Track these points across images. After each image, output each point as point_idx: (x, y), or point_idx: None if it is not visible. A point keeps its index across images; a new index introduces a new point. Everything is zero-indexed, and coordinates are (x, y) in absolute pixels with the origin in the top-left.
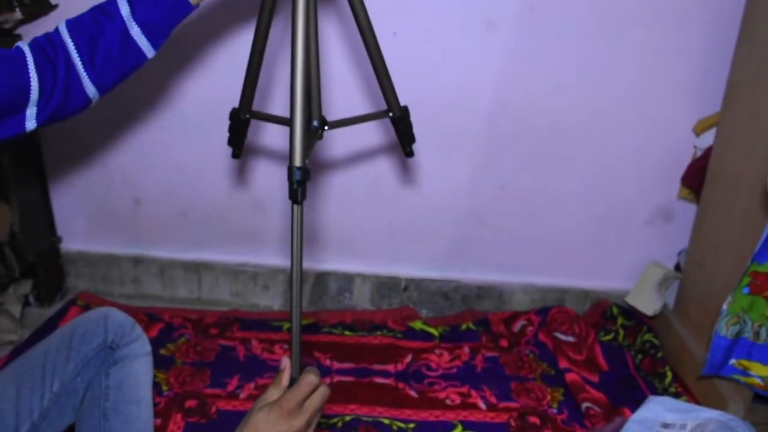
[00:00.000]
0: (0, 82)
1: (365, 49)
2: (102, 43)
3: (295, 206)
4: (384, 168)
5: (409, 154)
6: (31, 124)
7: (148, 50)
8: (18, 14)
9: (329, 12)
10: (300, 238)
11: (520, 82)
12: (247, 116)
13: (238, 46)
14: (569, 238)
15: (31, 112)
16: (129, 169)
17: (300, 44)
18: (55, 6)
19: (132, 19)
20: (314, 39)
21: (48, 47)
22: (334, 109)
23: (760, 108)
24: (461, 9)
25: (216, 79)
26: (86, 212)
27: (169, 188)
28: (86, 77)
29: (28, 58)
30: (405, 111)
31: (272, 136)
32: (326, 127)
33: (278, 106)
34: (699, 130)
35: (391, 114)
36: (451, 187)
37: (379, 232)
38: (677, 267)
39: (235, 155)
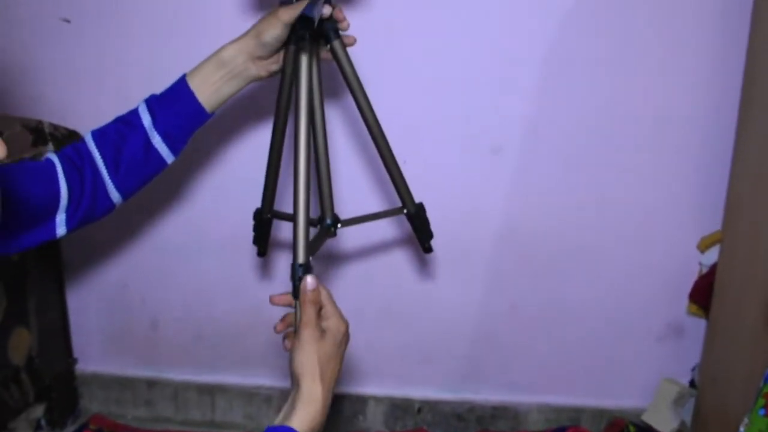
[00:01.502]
0: (33, 191)
1: (375, 148)
2: (126, 152)
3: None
4: (394, 289)
5: (428, 249)
6: (61, 230)
7: (168, 156)
8: (50, 147)
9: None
10: None
11: (527, 204)
12: (269, 216)
13: (253, 154)
14: (582, 356)
15: (60, 218)
16: (148, 291)
17: (302, 142)
18: None
19: (153, 129)
20: (323, 137)
21: (75, 157)
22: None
23: (760, 227)
24: (467, 135)
25: (232, 198)
26: (103, 333)
27: (186, 310)
28: (111, 184)
29: (57, 168)
30: (420, 207)
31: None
32: (339, 225)
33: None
34: (703, 247)
35: (405, 211)
36: (463, 307)
37: (391, 352)
38: (692, 383)
39: (261, 254)
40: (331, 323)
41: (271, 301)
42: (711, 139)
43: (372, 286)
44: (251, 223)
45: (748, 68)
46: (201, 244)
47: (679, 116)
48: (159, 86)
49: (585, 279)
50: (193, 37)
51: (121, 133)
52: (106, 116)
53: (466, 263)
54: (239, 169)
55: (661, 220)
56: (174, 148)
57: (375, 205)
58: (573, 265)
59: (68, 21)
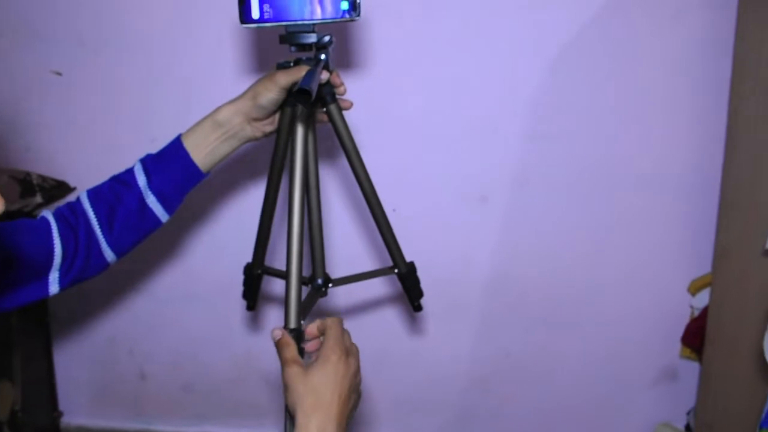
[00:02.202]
0: (27, 250)
1: (368, 208)
2: (120, 212)
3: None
4: (387, 339)
5: (418, 308)
6: (54, 288)
7: (163, 216)
8: (38, 198)
9: (330, 170)
10: None
11: (516, 252)
12: (260, 272)
13: (243, 210)
14: (575, 403)
15: (54, 276)
16: (136, 342)
17: (296, 200)
18: (74, 188)
19: (148, 188)
20: (316, 197)
21: (70, 216)
22: (339, 263)
23: (749, 271)
24: (456, 184)
25: (222, 250)
26: (90, 385)
27: (175, 361)
28: (105, 243)
29: (52, 226)
30: (411, 266)
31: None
32: (330, 285)
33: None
34: (693, 290)
35: (396, 270)
36: (455, 356)
37: (384, 402)
38: (687, 428)
39: (250, 308)
40: (321, 352)
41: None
42: (699, 184)
43: (364, 339)
44: (241, 276)
45: (730, 124)
46: (190, 294)
47: (667, 164)
48: (147, 138)
49: (577, 325)
50: (182, 91)
51: (116, 192)
52: (94, 167)
53: (457, 312)
54: (231, 223)
55: (651, 263)
56: (169, 208)
57: (366, 263)
58: (564, 312)
59: (59, 74)
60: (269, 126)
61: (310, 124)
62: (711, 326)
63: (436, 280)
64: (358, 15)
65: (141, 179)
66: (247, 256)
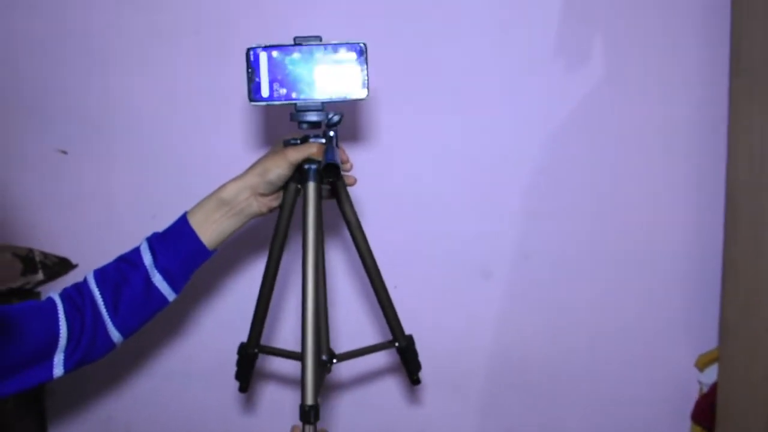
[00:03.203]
0: (33, 332)
1: (371, 284)
2: (126, 292)
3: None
4: (390, 413)
5: (416, 381)
6: (58, 370)
7: (169, 294)
8: (40, 275)
9: (335, 248)
10: None
11: (519, 329)
12: (256, 351)
13: (240, 292)
14: None
15: (58, 358)
16: (133, 422)
17: (310, 280)
18: (76, 265)
19: (154, 267)
20: (322, 274)
21: (77, 297)
22: (341, 339)
23: (756, 345)
24: (458, 260)
25: (221, 327)
26: None
27: None
28: (111, 324)
29: (59, 308)
30: (410, 340)
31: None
32: (335, 360)
33: (283, 340)
34: (701, 365)
35: (396, 344)
36: None
37: None
38: None
39: (242, 389)
40: None
41: None
42: (701, 257)
43: (365, 413)
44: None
45: (728, 195)
46: (189, 371)
47: (668, 238)
48: (148, 214)
49: (583, 404)
50: (183, 170)
51: (122, 271)
52: (96, 244)
53: (459, 389)
54: (230, 299)
55: (657, 339)
56: (175, 286)
57: (367, 335)
58: (570, 391)
59: (65, 152)
60: (275, 201)
61: (319, 205)
62: (721, 401)
63: (438, 356)
64: (368, 94)
65: (147, 258)
66: (244, 331)
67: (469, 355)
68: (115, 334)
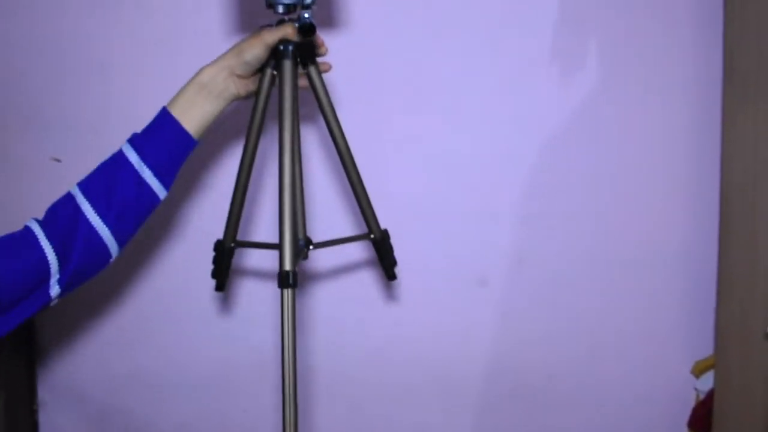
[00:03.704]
0: (13, 272)
1: (345, 174)
2: (118, 192)
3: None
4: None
5: (392, 276)
6: (54, 291)
7: (160, 191)
8: None
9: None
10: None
11: (515, 335)
12: (233, 245)
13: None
14: None
15: (54, 280)
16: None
17: (287, 155)
18: None
19: (142, 163)
20: (298, 159)
21: (59, 208)
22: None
23: (751, 351)
24: (453, 269)
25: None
26: None
27: None
28: (106, 229)
29: (36, 233)
30: (385, 234)
31: None
32: (312, 247)
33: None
34: (697, 372)
35: (372, 236)
36: None
37: None
38: None
39: (219, 288)
40: None
41: None
42: (697, 263)
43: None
44: (237, 362)
45: (723, 201)
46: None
47: (663, 243)
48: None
49: (579, 411)
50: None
51: (108, 174)
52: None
53: (455, 396)
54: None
55: (652, 346)
56: (165, 181)
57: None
58: (566, 398)
59: (59, 160)
60: (253, 84)
61: (295, 84)
62: (717, 408)
63: (435, 363)
64: None
65: (132, 156)
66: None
67: (466, 361)
68: (110, 241)
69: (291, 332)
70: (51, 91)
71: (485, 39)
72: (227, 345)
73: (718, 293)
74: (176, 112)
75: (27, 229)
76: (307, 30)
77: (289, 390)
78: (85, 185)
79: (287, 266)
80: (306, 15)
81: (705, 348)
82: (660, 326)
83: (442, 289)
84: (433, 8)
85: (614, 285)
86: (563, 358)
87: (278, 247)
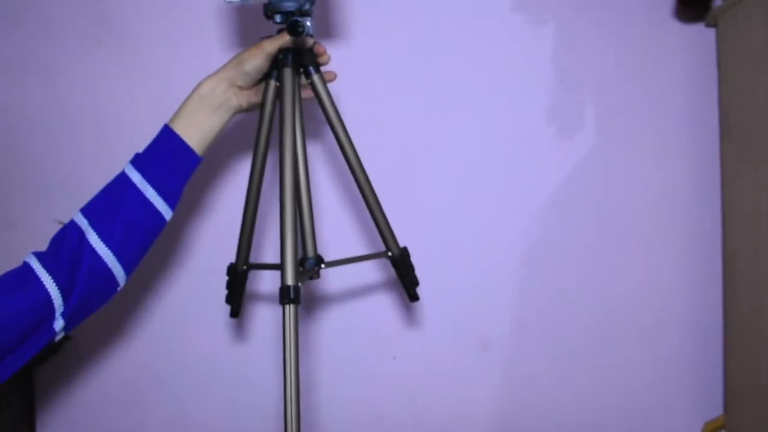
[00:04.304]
0: (13, 313)
1: (355, 183)
2: (121, 214)
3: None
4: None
5: (414, 297)
6: (59, 325)
7: (166, 211)
8: None
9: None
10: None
11: (518, 400)
12: (245, 268)
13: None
14: None
15: (57, 313)
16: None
17: (288, 162)
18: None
19: (146, 183)
20: (305, 174)
21: (60, 238)
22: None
23: (763, 413)
24: (455, 329)
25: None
26: None
27: None
28: (111, 255)
29: (34, 267)
30: (404, 251)
31: None
32: (323, 265)
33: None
34: None
35: (390, 254)
36: None
37: None
38: None
39: (234, 314)
40: None
41: None
42: (703, 323)
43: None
44: (239, 419)
45: (725, 261)
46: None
47: (669, 305)
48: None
49: None
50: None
51: (111, 197)
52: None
53: None
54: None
55: (663, 407)
56: (170, 201)
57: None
58: None
59: (62, 223)
60: (255, 96)
61: (296, 91)
62: None
63: (437, 426)
64: None
65: (135, 176)
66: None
67: (468, 425)
68: (116, 268)
69: (293, 351)
70: (54, 154)
71: (482, 103)
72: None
73: (726, 353)
74: (178, 128)
75: (25, 265)
76: (294, 28)
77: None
78: (87, 209)
79: (289, 281)
80: (305, 21)
81: (715, 408)
82: (668, 388)
83: (443, 352)
84: (434, 77)
85: (620, 348)
86: (569, 422)
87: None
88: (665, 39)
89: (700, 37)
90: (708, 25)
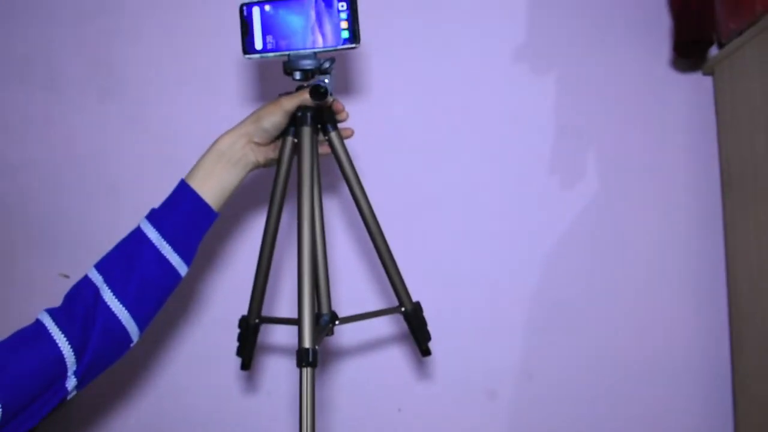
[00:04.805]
0: (25, 372)
1: (370, 239)
2: (137, 270)
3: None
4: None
5: (426, 352)
6: (71, 383)
7: (181, 267)
8: None
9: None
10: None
11: None
12: (257, 321)
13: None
14: None
15: (70, 371)
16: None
17: (306, 220)
18: None
19: (162, 239)
20: (320, 230)
21: (77, 293)
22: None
23: None
24: (464, 381)
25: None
26: None
27: None
28: (125, 312)
29: (47, 326)
30: (417, 306)
31: None
32: (337, 322)
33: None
34: None
35: (403, 309)
36: None
37: None
38: None
39: (245, 366)
40: None
41: None
42: (709, 369)
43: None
44: None
45: (731, 311)
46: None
47: (673, 354)
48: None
49: None
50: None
51: (127, 252)
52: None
53: None
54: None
55: None
56: (186, 257)
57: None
58: None
59: (67, 276)
60: (272, 152)
61: (314, 153)
62: None
63: None
64: (358, 42)
65: (151, 232)
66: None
67: None
68: (130, 325)
69: (310, 413)
70: (61, 209)
71: (485, 152)
72: None
73: (734, 397)
74: (195, 184)
75: (38, 323)
76: (318, 92)
77: None
78: (102, 265)
79: (306, 343)
80: (324, 80)
81: None
82: None
83: (450, 402)
84: (441, 132)
85: (627, 398)
86: None
87: (297, 322)
88: (664, 88)
89: (699, 85)
90: (705, 74)
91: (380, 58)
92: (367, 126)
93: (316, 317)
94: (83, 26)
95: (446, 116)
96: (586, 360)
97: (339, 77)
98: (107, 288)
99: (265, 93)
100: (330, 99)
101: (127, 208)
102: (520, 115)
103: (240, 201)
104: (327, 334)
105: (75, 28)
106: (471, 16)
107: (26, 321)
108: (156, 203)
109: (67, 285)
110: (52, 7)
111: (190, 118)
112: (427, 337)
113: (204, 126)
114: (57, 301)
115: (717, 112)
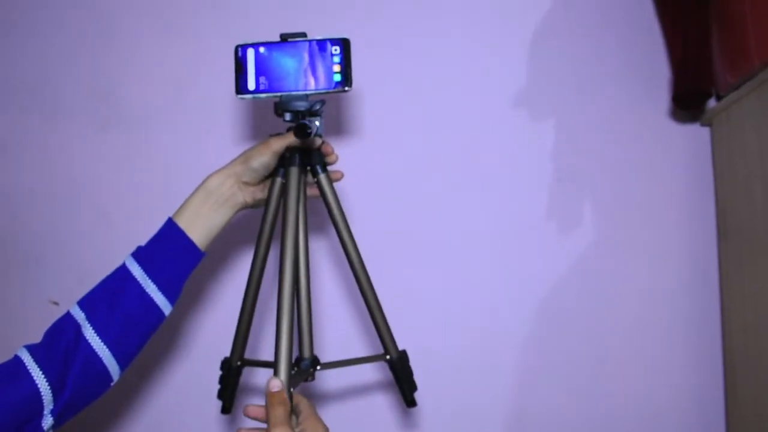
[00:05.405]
0: (2, 404)
1: (356, 283)
2: (120, 308)
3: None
4: None
5: (411, 403)
6: (48, 423)
7: (165, 306)
8: None
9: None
10: None
11: None
12: (239, 363)
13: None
14: None
15: (47, 410)
16: None
17: (288, 261)
18: None
19: (147, 277)
20: (305, 272)
21: (55, 332)
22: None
23: None
24: (451, 425)
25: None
26: None
27: None
28: (106, 349)
29: (25, 362)
30: (403, 354)
31: None
32: (318, 367)
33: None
34: None
35: (388, 357)
36: None
37: None
38: None
39: (226, 410)
40: (308, 425)
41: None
42: (704, 417)
43: None
44: None
45: (726, 362)
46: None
47: (668, 402)
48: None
49: None
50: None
51: (111, 290)
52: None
53: None
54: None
55: None
56: (171, 296)
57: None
58: None
59: (57, 304)
60: (261, 193)
61: (300, 192)
62: None
63: None
64: (350, 86)
65: (136, 270)
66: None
67: None
68: (111, 363)
69: None
70: (53, 236)
71: (484, 197)
72: None
73: None
74: (182, 223)
75: (16, 359)
76: (303, 131)
77: None
78: (85, 302)
79: (282, 376)
80: (314, 121)
81: None
82: None
83: None
84: (436, 176)
85: None
86: None
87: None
88: (662, 138)
89: (697, 136)
90: (703, 125)
91: (374, 101)
92: (359, 168)
93: (297, 361)
94: (84, 55)
95: (440, 160)
96: (577, 409)
97: (331, 119)
98: (89, 325)
99: (259, 131)
100: (319, 141)
101: (121, 238)
102: (516, 161)
103: (229, 240)
104: (308, 380)
105: (75, 57)
106: (468, 60)
107: (15, 347)
108: (150, 234)
109: (56, 313)
110: (53, 36)
111: (188, 151)
112: (413, 387)
113: (201, 160)
114: (45, 328)
115: (714, 163)
